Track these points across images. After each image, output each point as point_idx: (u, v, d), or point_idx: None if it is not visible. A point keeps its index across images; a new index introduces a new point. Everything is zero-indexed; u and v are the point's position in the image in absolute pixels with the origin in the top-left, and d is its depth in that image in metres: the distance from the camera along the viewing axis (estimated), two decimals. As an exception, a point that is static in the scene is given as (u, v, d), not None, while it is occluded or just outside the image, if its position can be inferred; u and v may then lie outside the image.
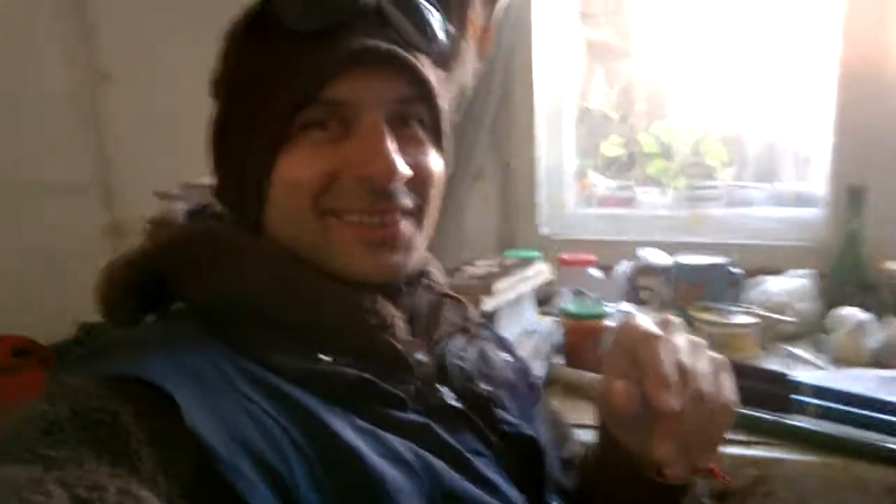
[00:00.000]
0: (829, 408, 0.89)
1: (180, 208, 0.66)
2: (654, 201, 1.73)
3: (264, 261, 0.58)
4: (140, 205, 0.98)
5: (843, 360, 1.16)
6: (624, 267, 1.43)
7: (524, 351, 1.05)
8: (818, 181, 1.54)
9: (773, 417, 0.91)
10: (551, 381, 1.09)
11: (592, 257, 1.46)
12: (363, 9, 0.57)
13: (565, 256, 1.46)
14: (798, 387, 0.92)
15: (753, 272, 1.41)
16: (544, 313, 1.31)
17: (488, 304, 0.99)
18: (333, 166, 0.56)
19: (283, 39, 0.56)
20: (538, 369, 1.05)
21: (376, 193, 0.57)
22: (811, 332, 1.27)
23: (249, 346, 0.53)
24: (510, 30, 1.51)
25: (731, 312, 1.22)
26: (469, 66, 1.43)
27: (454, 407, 0.60)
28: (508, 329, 1.05)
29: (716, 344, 1.17)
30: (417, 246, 0.62)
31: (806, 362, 1.16)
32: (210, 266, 0.58)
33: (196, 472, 0.43)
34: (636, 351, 0.54)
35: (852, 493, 0.82)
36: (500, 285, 1.01)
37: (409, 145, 0.59)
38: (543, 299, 1.37)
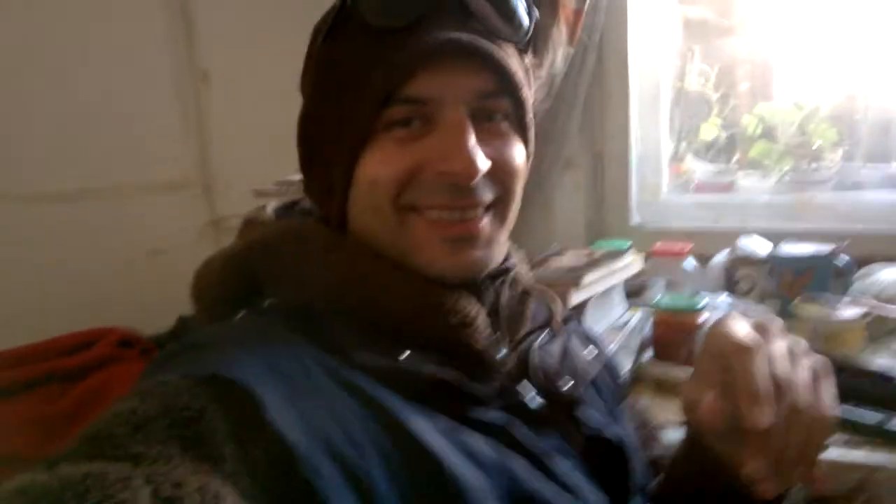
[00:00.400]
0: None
1: (271, 205, 0.68)
2: (755, 186, 1.65)
3: (347, 258, 0.59)
4: (240, 202, 1.03)
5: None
6: (721, 257, 1.37)
7: (612, 345, 1.03)
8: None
9: (879, 418, 0.85)
10: (641, 377, 1.07)
11: (687, 246, 1.41)
12: (443, 0, 0.56)
13: (658, 246, 1.41)
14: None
15: (864, 261, 1.33)
16: (634, 306, 1.28)
17: (576, 297, 0.98)
18: (415, 162, 0.56)
19: (364, 36, 0.57)
20: (626, 365, 1.03)
21: (457, 189, 0.57)
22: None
23: (334, 344, 0.54)
24: (604, 11, 1.47)
25: (837, 305, 1.15)
26: (560, 50, 1.41)
27: (536, 406, 0.60)
28: (596, 323, 1.03)
29: (820, 339, 1.11)
30: (499, 240, 0.62)
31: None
32: (296, 263, 0.60)
33: (278, 470, 0.44)
34: (727, 360, 0.52)
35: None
36: (588, 278, 1.00)
37: (493, 139, 0.58)
38: (634, 291, 1.34)
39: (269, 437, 0.45)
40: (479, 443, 0.53)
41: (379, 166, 0.57)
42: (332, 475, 0.45)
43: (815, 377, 0.53)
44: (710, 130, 1.74)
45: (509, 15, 0.58)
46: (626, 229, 1.58)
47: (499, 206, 0.60)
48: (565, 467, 0.57)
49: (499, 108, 0.59)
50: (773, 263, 1.29)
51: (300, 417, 0.47)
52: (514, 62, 0.59)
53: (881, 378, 0.90)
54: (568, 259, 1.10)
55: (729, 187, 1.67)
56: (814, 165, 1.63)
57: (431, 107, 0.56)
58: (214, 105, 1.72)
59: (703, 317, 1.07)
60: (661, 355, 1.08)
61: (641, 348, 1.10)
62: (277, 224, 0.65)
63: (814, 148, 1.65)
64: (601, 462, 0.61)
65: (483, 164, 0.56)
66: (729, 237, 1.44)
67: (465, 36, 0.55)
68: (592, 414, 0.64)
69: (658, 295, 1.31)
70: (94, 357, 0.94)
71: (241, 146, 1.65)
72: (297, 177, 0.66)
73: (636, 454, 0.67)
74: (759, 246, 1.34)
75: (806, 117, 1.67)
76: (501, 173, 0.59)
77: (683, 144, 1.73)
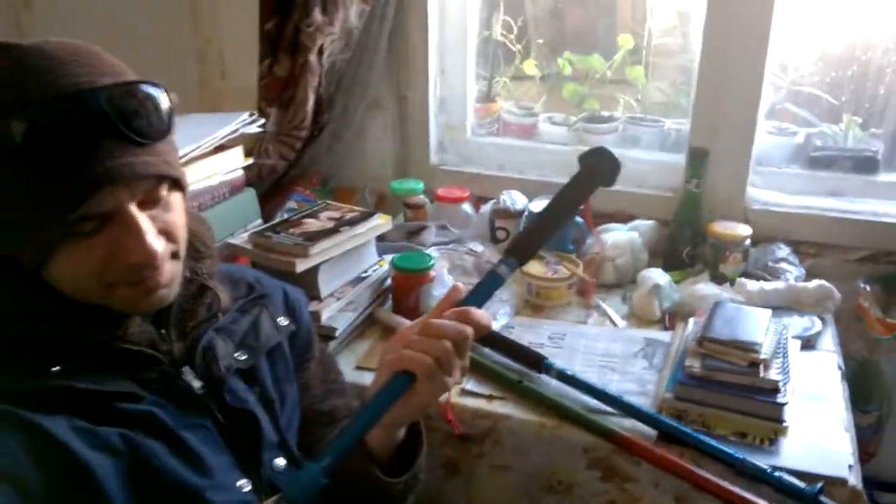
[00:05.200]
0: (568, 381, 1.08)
1: None
2: (554, 132, 1.81)
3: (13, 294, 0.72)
4: None
5: (637, 318, 1.30)
6: (489, 206, 1.56)
7: (348, 298, 1.22)
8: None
9: (518, 376, 1.10)
10: (375, 321, 1.27)
11: (465, 192, 1.59)
12: (95, 137, 0.65)
13: (441, 191, 1.59)
14: (549, 367, 1.10)
15: (606, 218, 1.53)
16: (409, 247, 1.45)
17: (303, 265, 1.14)
18: (105, 256, 0.69)
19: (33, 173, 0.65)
20: (356, 315, 1.23)
21: (144, 269, 0.71)
22: (627, 286, 1.41)
23: None
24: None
25: (556, 263, 1.36)
26: (353, 8, 1.50)
27: (191, 387, 0.78)
28: (330, 283, 1.20)
29: (534, 293, 1.33)
30: (179, 274, 0.77)
31: (605, 316, 1.31)
32: None
33: None
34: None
35: (558, 448, 1.01)
36: (320, 246, 1.15)
37: (161, 212, 0.72)
38: (414, 231, 1.52)
39: None
40: (114, 433, 0.70)
41: (75, 266, 0.69)
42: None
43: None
44: (529, 68, 1.86)
45: (160, 121, 0.70)
46: (426, 169, 1.74)
47: (175, 253, 0.75)
48: (199, 440, 0.75)
49: (162, 193, 0.72)
50: (524, 217, 1.49)
51: None
52: (168, 149, 0.72)
53: (529, 357, 1.13)
54: (320, 220, 1.25)
55: (531, 130, 1.82)
56: (605, 114, 1.79)
57: (107, 213, 0.68)
58: None
59: (432, 275, 1.26)
60: (395, 307, 1.28)
61: (379, 297, 1.30)
62: None
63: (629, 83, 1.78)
64: (240, 430, 0.80)
65: (160, 246, 0.71)
66: (509, 183, 1.63)
67: (126, 160, 0.67)
68: (238, 388, 0.83)
69: (431, 237, 1.50)
70: None
71: None
72: None
73: (285, 413, 0.87)
74: (516, 200, 1.52)
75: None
76: (173, 233, 0.74)
77: (497, 86, 1.86)
